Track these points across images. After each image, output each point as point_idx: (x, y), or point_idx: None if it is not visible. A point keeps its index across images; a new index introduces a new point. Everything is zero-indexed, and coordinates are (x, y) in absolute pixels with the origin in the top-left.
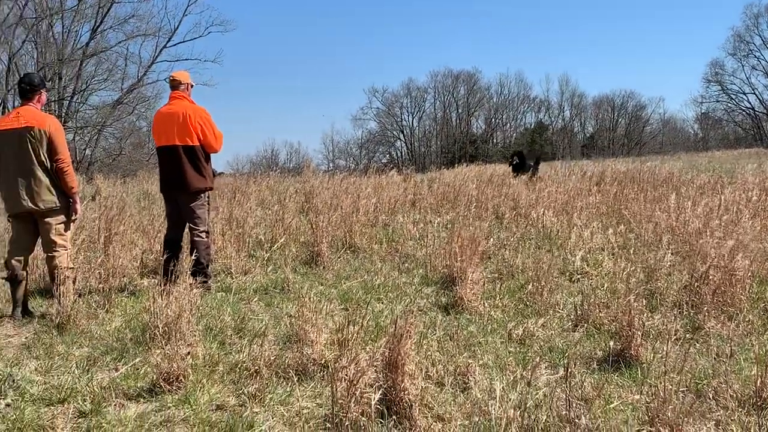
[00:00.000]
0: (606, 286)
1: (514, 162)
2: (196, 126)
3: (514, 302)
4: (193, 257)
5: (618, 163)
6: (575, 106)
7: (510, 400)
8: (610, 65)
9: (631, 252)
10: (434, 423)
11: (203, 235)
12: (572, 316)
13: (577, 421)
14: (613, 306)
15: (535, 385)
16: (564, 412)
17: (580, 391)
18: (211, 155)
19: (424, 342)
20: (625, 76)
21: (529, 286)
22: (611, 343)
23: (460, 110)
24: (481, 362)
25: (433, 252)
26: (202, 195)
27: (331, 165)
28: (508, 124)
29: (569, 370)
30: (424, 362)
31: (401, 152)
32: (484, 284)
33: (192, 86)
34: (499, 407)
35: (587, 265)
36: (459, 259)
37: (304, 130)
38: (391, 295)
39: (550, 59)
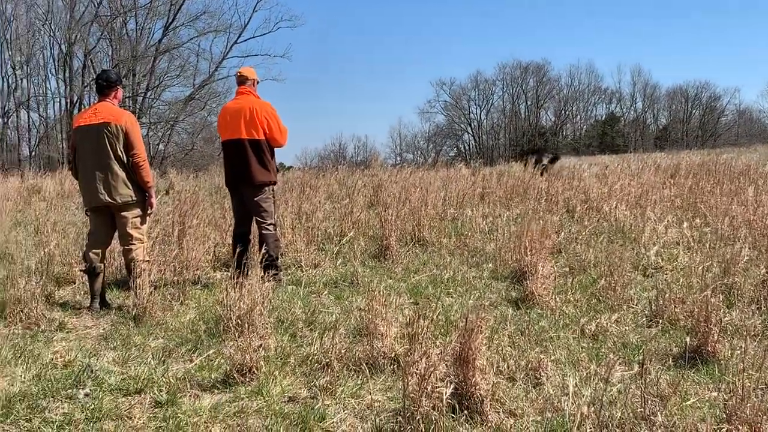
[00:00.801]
0: (681, 281)
1: (544, 161)
2: (262, 120)
3: (586, 297)
4: (263, 251)
5: (692, 156)
6: (648, 97)
7: (583, 396)
8: (685, 55)
9: (707, 246)
10: (506, 418)
11: (271, 228)
12: (647, 312)
13: (652, 418)
14: (689, 301)
15: (610, 381)
16: (639, 409)
17: (655, 388)
18: (277, 150)
19: (495, 337)
20: (700, 67)
21: (602, 281)
22: (687, 339)
23: (529, 102)
24: (553, 358)
25: (502, 246)
26: (267, 188)
27: (398, 159)
28: (579, 116)
29: (644, 366)
30: (495, 357)
31: (469, 145)
32: (555, 279)
33: (258, 82)
34: (572, 403)
35: (662, 260)
36: (529, 253)
37: (371, 123)
38: (460, 290)
39: (622, 49)
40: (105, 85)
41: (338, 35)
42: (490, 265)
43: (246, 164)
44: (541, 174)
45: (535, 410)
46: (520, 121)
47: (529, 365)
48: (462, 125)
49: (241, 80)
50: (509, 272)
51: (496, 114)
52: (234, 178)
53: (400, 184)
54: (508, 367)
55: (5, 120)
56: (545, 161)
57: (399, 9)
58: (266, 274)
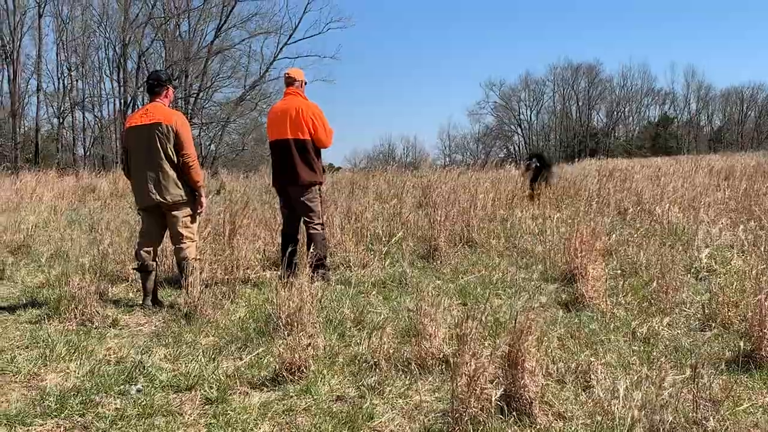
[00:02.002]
0: (735, 284)
1: (534, 165)
2: (308, 120)
3: (637, 300)
4: (311, 251)
5: (747, 158)
6: (702, 98)
7: (634, 399)
8: (740, 56)
9: (762, 249)
10: (555, 421)
11: (318, 227)
12: (699, 315)
13: (704, 422)
14: (743, 305)
15: (661, 385)
16: (691, 414)
17: (707, 393)
18: (327, 151)
19: (545, 339)
20: (756, 67)
21: (654, 284)
22: (741, 343)
23: (580, 103)
24: (603, 361)
25: (552, 248)
26: (314, 188)
27: (447, 159)
28: (631, 117)
29: (696, 370)
30: (544, 359)
31: (519, 147)
32: (606, 281)
33: (306, 83)
34: (622, 407)
35: (715, 263)
36: (579, 255)
37: (420, 124)
38: (509, 291)
39: (675, 50)
40: (155, 85)
41: (389, 36)
42: (540, 266)
43: (292, 164)
44: (531, 184)
45: (585, 413)
46: (571, 123)
47: (579, 368)
48: (512, 126)
49: (289, 81)
50: (559, 274)
51: (546, 115)
52: (280, 178)
53: (449, 185)
54: (557, 370)
55: (61, 120)
56: (533, 166)
57: (450, 9)
58: (315, 273)
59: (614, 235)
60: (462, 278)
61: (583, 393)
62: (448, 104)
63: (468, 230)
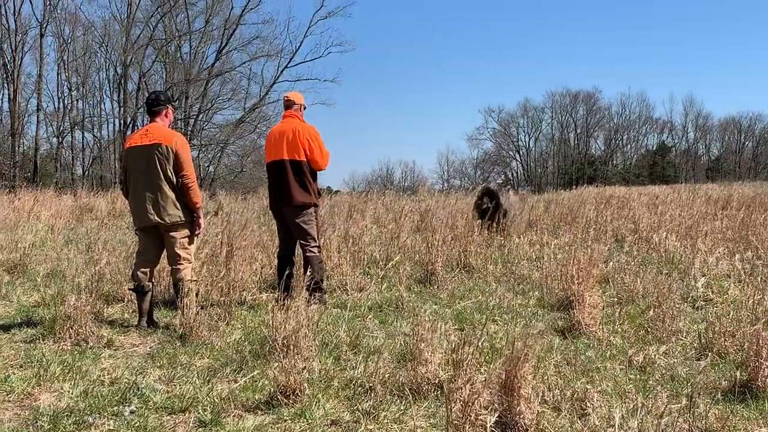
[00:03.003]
0: (731, 314)
1: (485, 206)
2: (304, 142)
3: (634, 328)
4: (308, 274)
5: (744, 187)
6: (700, 127)
7: (630, 428)
8: (738, 86)
9: (759, 279)
10: None
11: (315, 250)
12: (696, 344)
13: None
14: (739, 335)
15: (657, 413)
16: None
17: (703, 422)
18: (326, 173)
19: (541, 366)
20: (754, 97)
21: (650, 312)
22: (737, 373)
23: (578, 130)
24: (599, 388)
25: (549, 274)
26: (308, 211)
27: (445, 185)
28: (629, 146)
29: (693, 399)
30: (540, 386)
31: (517, 173)
32: (602, 308)
33: (305, 108)
34: None
35: (711, 292)
36: (576, 282)
37: (419, 149)
38: (506, 317)
39: (674, 78)
40: (155, 105)
41: (388, 60)
42: (537, 293)
43: (287, 185)
44: (484, 223)
45: None
46: (569, 149)
47: (575, 395)
48: (510, 152)
49: (288, 104)
50: (556, 301)
51: (544, 141)
52: (276, 199)
53: (447, 210)
54: (553, 397)
55: (60, 140)
56: (483, 206)
57: (449, 36)
58: (311, 296)
59: (611, 263)
60: (459, 303)
61: (579, 421)
62: (447, 130)
63: (465, 255)
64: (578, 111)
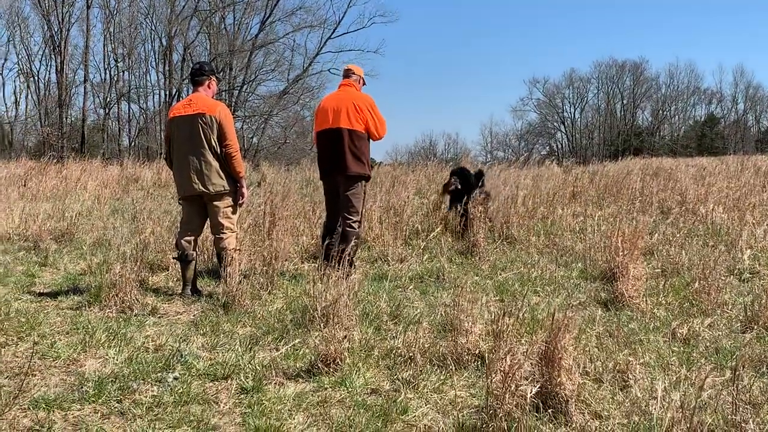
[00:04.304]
0: None
1: (454, 186)
2: (364, 112)
3: (678, 300)
4: (340, 246)
5: None
6: (750, 98)
7: (672, 400)
8: None
9: None
10: (591, 420)
11: (355, 225)
12: (741, 317)
13: (743, 425)
14: None
15: (700, 386)
16: (730, 416)
17: (747, 395)
18: (372, 145)
19: (583, 337)
20: None
21: (695, 285)
22: None
23: (625, 101)
24: (641, 360)
25: (592, 245)
26: (359, 183)
27: (488, 156)
28: (677, 117)
29: (737, 372)
30: (581, 358)
31: (562, 144)
32: (646, 280)
33: (363, 83)
34: (660, 407)
35: (758, 265)
36: (620, 253)
37: (462, 121)
38: (548, 289)
39: (724, 48)
40: (199, 75)
41: (432, 30)
42: (580, 264)
43: (342, 154)
44: (451, 208)
45: (622, 413)
46: (615, 121)
47: (617, 367)
48: (555, 124)
49: (348, 74)
50: (599, 273)
51: (590, 113)
52: (329, 166)
53: (490, 182)
54: (594, 369)
55: (107, 111)
56: (452, 187)
57: (493, 5)
58: (351, 267)
59: (656, 235)
60: (500, 275)
61: (621, 393)
62: (491, 101)
63: (507, 227)
64: (625, 82)
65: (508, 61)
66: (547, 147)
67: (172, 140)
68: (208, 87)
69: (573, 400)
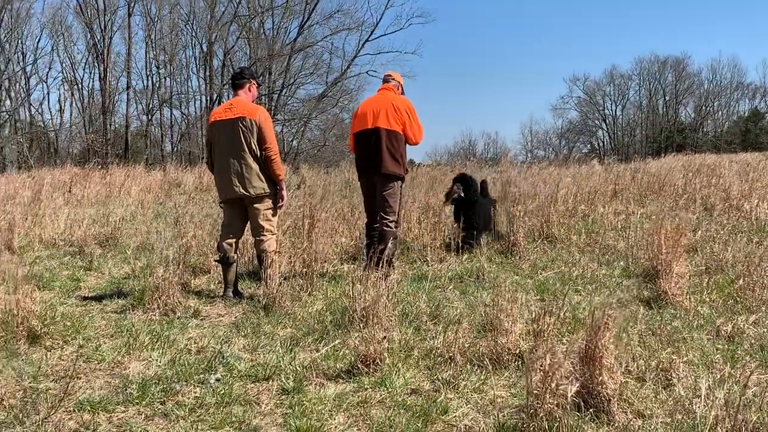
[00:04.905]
0: None
1: (456, 195)
2: (402, 114)
3: (722, 297)
4: (380, 247)
5: None
6: None
7: (716, 398)
8: None
9: None
10: (633, 419)
11: (392, 225)
12: None
13: None
14: None
15: (745, 384)
16: None
17: None
18: (409, 148)
19: (625, 336)
20: None
21: (740, 281)
22: None
23: (667, 98)
24: (685, 359)
25: (635, 243)
26: (395, 183)
27: (529, 155)
28: (720, 112)
29: None
30: (624, 356)
31: (603, 142)
32: (689, 278)
33: (402, 90)
34: (704, 406)
35: None
36: (663, 251)
37: (502, 120)
38: (589, 287)
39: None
40: (238, 79)
41: (470, 30)
42: (622, 263)
43: (379, 152)
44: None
45: (665, 412)
46: (657, 117)
47: (660, 365)
48: (596, 121)
49: (387, 79)
50: (641, 270)
51: (632, 109)
52: (366, 165)
53: (528, 181)
54: (637, 367)
55: (149, 117)
56: (455, 195)
57: (532, 4)
58: (389, 268)
59: (700, 232)
60: (541, 274)
61: (664, 391)
62: (531, 100)
63: (547, 225)
64: (667, 78)
65: (548, 60)
66: (588, 145)
67: (213, 144)
68: (249, 91)
69: (615, 398)
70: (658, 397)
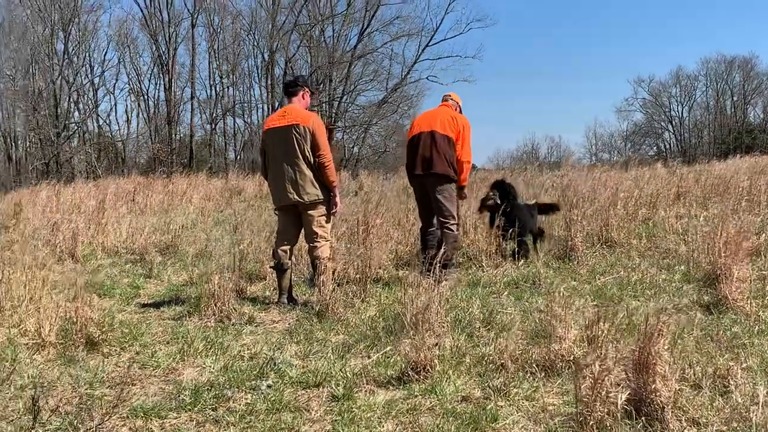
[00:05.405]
0: None
1: (491, 202)
2: (459, 127)
3: None
4: (442, 250)
5: None
6: None
7: None
8: None
9: None
10: (688, 427)
11: (453, 227)
12: None
13: None
14: None
15: None
16: None
17: None
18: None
19: (680, 342)
20: None
21: None
22: None
23: (735, 98)
24: (744, 365)
25: (695, 247)
26: (449, 186)
27: (593, 158)
28: None
29: None
30: (679, 363)
31: (670, 144)
32: (751, 282)
33: (460, 110)
34: (761, 413)
35: None
36: (723, 255)
37: (565, 123)
38: (648, 293)
39: None
40: (291, 86)
41: (531, 33)
42: (683, 267)
43: (431, 154)
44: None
45: (721, 420)
46: (725, 118)
47: (717, 372)
48: (662, 123)
49: (446, 98)
50: (702, 275)
51: (698, 110)
52: (417, 168)
53: (589, 184)
54: (693, 374)
55: (213, 126)
56: (490, 201)
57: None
58: (443, 272)
59: (764, 235)
60: (599, 279)
61: (720, 398)
62: (595, 102)
63: (607, 230)
64: (734, 78)
65: (611, 61)
66: (655, 147)
67: (267, 151)
68: (302, 98)
69: (669, 406)
70: (714, 404)
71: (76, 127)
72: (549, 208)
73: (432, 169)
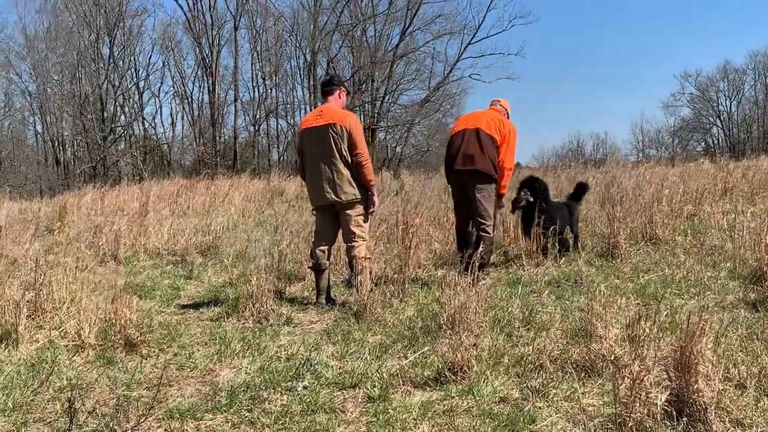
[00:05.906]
0: None
1: (523, 202)
2: (504, 130)
3: None
4: (477, 251)
5: None
6: None
7: None
8: None
9: None
10: (732, 428)
11: (489, 229)
12: None
13: None
14: None
15: None
16: None
17: None
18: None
19: (723, 341)
20: None
21: None
22: None
23: None
24: None
25: (742, 244)
26: (489, 186)
27: (640, 155)
28: None
29: None
30: (723, 362)
31: (718, 139)
32: None
33: (508, 116)
34: None
35: None
36: None
37: (611, 119)
38: (692, 290)
39: None
40: (327, 85)
41: (576, 28)
42: (729, 264)
43: (473, 150)
44: (525, 228)
45: (766, 420)
46: None
47: (763, 372)
48: (710, 118)
49: (495, 103)
50: (748, 272)
51: (747, 105)
52: (457, 164)
53: (633, 180)
54: (738, 373)
55: (257, 128)
56: (522, 201)
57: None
58: (480, 272)
59: None
60: (642, 277)
61: (766, 399)
62: (641, 98)
63: (651, 227)
64: None
65: (658, 56)
66: (703, 143)
67: (305, 151)
68: (338, 97)
69: (712, 407)
70: (759, 405)
71: (122, 131)
72: (579, 190)
73: (474, 166)
